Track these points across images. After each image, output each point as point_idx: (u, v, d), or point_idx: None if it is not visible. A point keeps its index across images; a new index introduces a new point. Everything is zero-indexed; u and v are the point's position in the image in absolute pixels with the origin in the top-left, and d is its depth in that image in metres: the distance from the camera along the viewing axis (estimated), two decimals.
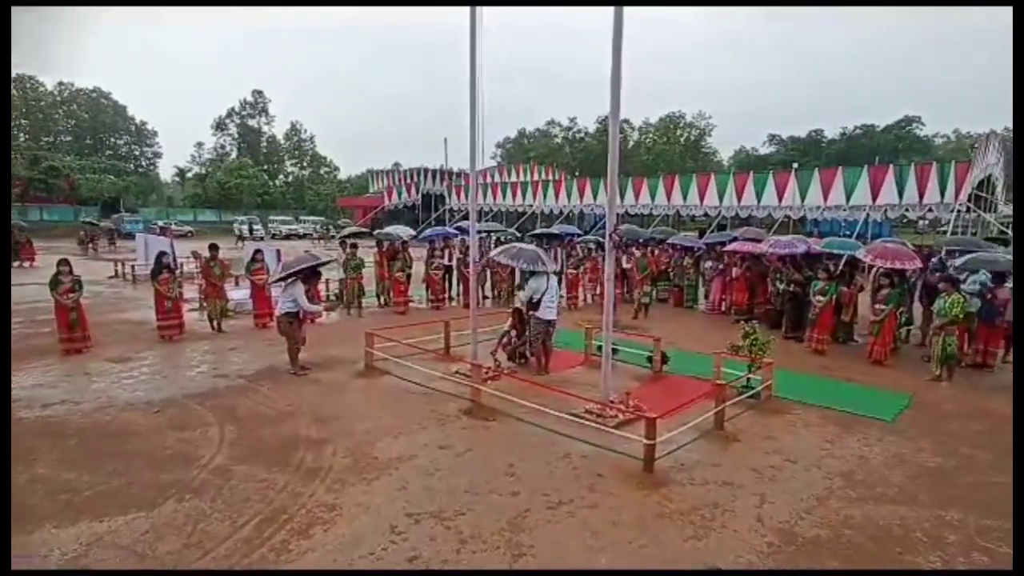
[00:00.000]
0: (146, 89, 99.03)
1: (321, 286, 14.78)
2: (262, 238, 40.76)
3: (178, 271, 19.23)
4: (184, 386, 7.78)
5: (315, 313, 9.66)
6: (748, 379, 7.63)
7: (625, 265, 14.74)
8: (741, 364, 7.79)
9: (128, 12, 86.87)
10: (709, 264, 14.30)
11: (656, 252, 15.40)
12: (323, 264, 9.39)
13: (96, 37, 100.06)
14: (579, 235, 17.20)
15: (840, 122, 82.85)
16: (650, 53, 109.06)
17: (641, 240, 16.03)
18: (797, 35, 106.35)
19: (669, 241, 15.34)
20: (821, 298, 10.10)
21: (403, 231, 14.91)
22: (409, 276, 14.45)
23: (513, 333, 8.82)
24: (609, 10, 5.79)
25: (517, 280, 15.75)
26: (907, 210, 23.74)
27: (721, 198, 28.00)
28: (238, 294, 13.07)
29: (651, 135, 79.38)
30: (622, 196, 31.79)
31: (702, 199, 28.80)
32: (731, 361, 7.90)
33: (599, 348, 9.13)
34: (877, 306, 9.56)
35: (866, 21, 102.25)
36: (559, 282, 10.76)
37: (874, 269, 11.79)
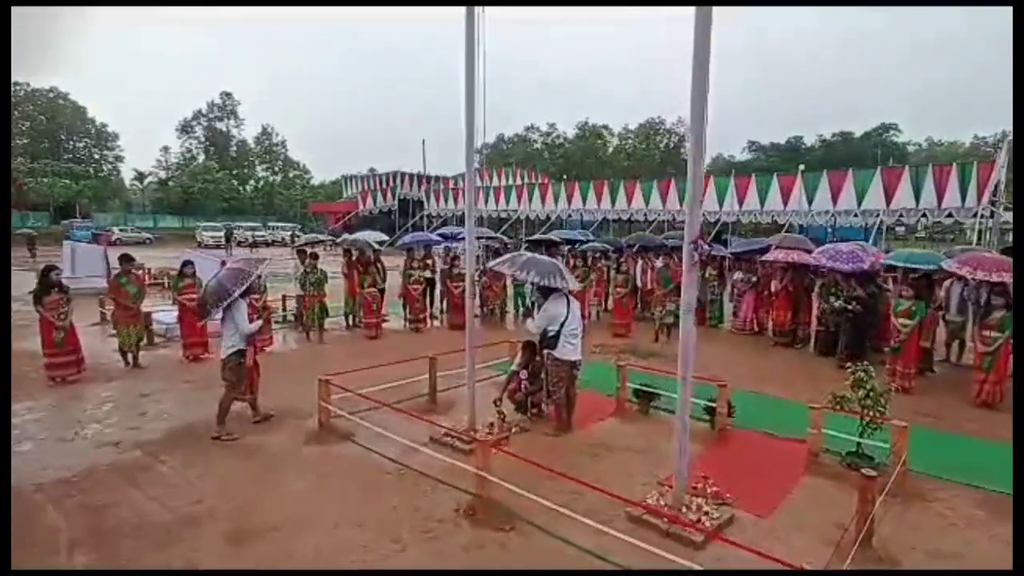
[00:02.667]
0: (109, 90, 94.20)
1: (276, 303, 12.41)
2: (219, 247, 37.86)
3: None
4: (47, 465, 5.30)
5: (261, 338, 7.20)
6: (860, 445, 5.48)
7: (639, 280, 12.59)
8: (835, 416, 5.62)
9: (95, 11, 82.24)
10: (739, 276, 12.17)
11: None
12: (256, 274, 6.82)
13: (58, 36, 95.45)
14: (583, 241, 14.91)
15: (814, 130, 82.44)
16: (631, 57, 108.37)
17: (652, 247, 13.83)
18: (768, 42, 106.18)
19: None
20: (907, 321, 7.98)
21: (373, 237, 12.50)
22: (382, 291, 12.09)
23: (523, 375, 6.52)
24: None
25: (510, 292, 13.49)
26: (924, 215, 22.10)
27: (721, 202, 26.11)
28: (168, 316, 10.53)
29: (631, 141, 78.00)
30: (613, 200, 29.84)
31: (701, 203, 26.86)
32: (793, 406, 5.69)
33: (636, 394, 6.92)
34: (987, 333, 7.48)
35: (841, 24, 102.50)
36: None
37: (946, 284, 9.82)
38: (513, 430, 6.22)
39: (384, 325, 12.17)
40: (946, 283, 9.76)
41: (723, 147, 75.60)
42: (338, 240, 13.94)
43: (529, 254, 6.65)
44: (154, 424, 6.40)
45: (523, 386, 6.50)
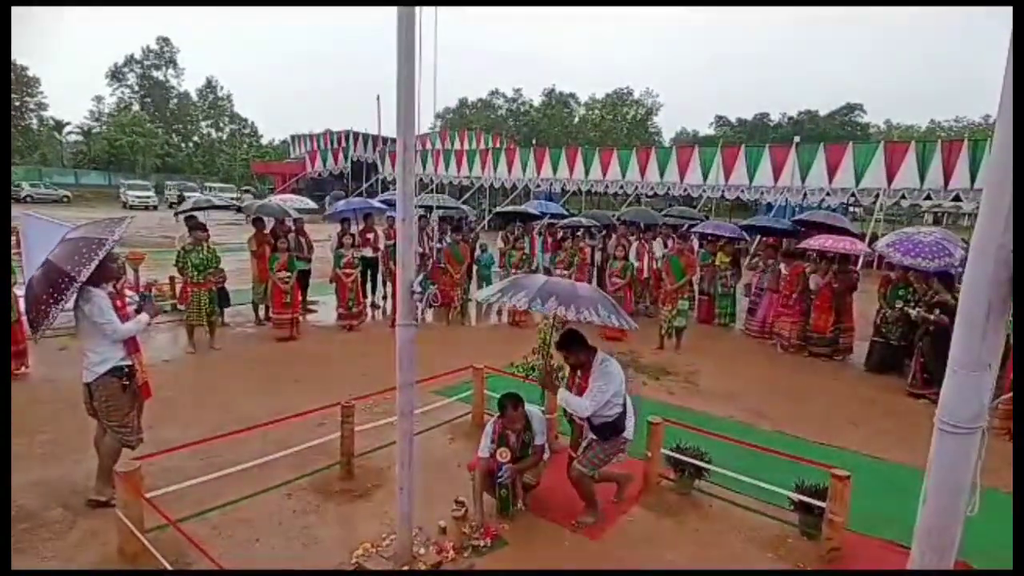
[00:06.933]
0: (33, 32, 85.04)
1: (164, 284, 9.41)
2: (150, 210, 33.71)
3: None
4: None
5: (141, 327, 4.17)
6: None
7: (631, 265, 9.97)
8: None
9: None
10: (756, 262, 9.70)
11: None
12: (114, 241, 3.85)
13: None
14: (563, 215, 12.19)
15: (776, 109, 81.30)
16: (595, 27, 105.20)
17: (653, 227, 11.15)
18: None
19: (697, 230, 10.55)
20: None
21: (295, 204, 9.52)
22: (307, 274, 9.23)
23: (504, 455, 3.82)
24: None
25: (474, 282, 10.73)
26: (929, 195, 20.23)
27: (706, 175, 23.77)
28: None
29: (598, 111, 75.05)
30: (587, 169, 27.11)
31: (682, 175, 24.47)
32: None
33: (672, 462, 4.38)
34: None
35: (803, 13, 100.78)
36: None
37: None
38: (483, 545, 3.58)
39: (310, 317, 9.38)
40: None
41: (687, 122, 73.65)
42: (243, 207, 10.82)
43: (556, 279, 3.94)
44: None
45: (503, 470, 3.83)
